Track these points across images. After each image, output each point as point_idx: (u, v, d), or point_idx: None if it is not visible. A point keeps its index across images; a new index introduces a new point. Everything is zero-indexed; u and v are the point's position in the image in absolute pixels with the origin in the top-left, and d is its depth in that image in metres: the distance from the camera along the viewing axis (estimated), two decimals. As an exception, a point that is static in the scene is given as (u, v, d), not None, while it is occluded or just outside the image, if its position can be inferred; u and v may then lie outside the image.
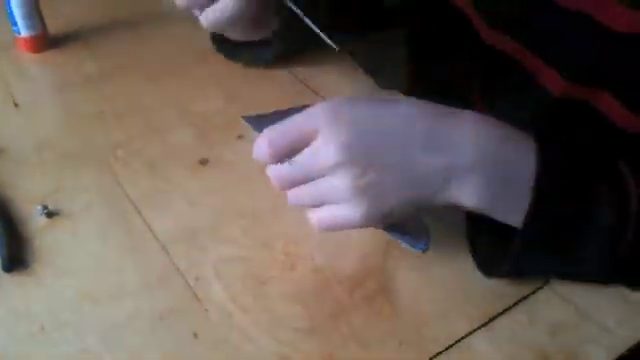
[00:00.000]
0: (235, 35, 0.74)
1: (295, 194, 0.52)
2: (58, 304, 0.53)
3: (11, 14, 0.80)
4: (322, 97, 0.75)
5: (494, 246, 0.52)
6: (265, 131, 0.50)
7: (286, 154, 0.49)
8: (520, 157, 0.48)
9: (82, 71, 0.80)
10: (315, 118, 0.48)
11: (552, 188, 0.47)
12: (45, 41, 0.83)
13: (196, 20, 0.69)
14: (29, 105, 0.75)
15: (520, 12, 0.62)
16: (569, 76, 0.59)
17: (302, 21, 0.67)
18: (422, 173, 0.48)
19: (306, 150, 0.49)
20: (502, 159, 0.48)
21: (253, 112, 0.57)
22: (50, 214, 0.61)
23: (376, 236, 0.57)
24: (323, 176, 0.49)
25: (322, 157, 0.48)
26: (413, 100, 0.50)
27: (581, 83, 0.59)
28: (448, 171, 0.47)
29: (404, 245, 0.52)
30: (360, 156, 0.47)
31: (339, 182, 0.48)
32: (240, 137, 0.70)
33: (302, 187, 0.51)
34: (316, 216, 0.51)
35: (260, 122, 0.54)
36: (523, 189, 0.47)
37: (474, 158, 0.47)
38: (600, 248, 0.47)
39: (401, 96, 0.52)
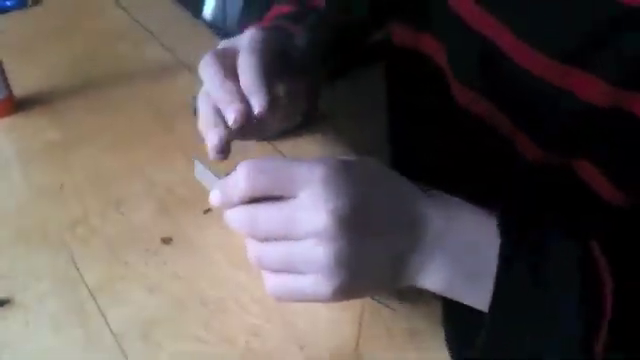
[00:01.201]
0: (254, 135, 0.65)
1: (259, 250, 0.45)
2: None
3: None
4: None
5: (464, 334, 0.49)
6: (244, 163, 0.44)
7: (262, 194, 0.44)
8: (485, 249, 0.45)
9: (45, 138, 0.77)
10: (308, 171, 0.43)
11: (512, 296, 0.44)
12: (11, 105, 0.80)
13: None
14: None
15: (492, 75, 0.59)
16: (544, 145, 0.56)
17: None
18: (402, 251, 0.45)
19: (289, 203, 0.43)
20: (468, 249, 0.45)
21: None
22: (1, 302, 0.58)
23: (349, 324, 0.54)
24: (300, 239, 0.43)
25: (307, 219, 0.42)
26: (405, 181, 0.47)
27: (559, 153, 0.55)
28: (422, 252, 0.45)
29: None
30: (350, 228, 0.43)
31: (319, 251, 0.42)
32: (206, 212, 0.66)
33: (269, 244, 0.45)
34: (277, 282, 0.45)
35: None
36: (487, 283, 0.44)
37: (440, 243, 0.45)
38: (570, 353, 0.44)
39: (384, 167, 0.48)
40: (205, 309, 0.57)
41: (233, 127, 0.51)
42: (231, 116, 0.51)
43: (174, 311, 0.57)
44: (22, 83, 0.83)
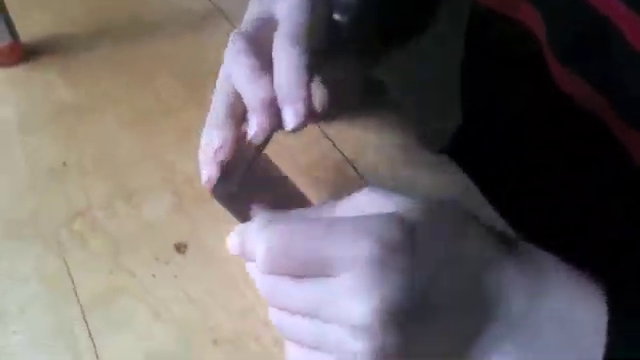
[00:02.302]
0: None
1: (284, 319, 0.36)
2: None
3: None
4: (355, 163, 0.59)
5: None
6: (263, 234, 0.34)
7: (287, 274, 0.34)
8: (579, 339, 0.35)
9: (53, 98, 0.65)
10: (353, 247, 0.32)
11: None
12: (17, 53, 0.68)
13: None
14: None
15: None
16: None
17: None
18: (468, 334, 0.35)
19: (327, 282, 0.33)
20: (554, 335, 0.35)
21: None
22: (-26, 314, 0.48)
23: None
24: (335, 324, 0.33)
25: (345, 308, 0.32)
26: (487, 238, 0.36)
27: None
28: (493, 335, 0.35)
29: None
30: (399, 324, 0.32)
31: (358, 345, 0.33)
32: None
33: (301, 319, 0.35)
34: (301, 355, 0.36)
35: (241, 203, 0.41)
36: None
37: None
38: None
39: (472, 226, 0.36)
40: (218, 349, 0.46)
41: (254, 141, 0.40)
42: (252, 131, 0.40)
43: (179, 347, 0.47)
44: (30, 30, 0.70)
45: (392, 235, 0.32)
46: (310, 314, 0.33)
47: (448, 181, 0.57)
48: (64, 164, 0.59)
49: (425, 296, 0.33)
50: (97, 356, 0.46)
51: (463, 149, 0.66)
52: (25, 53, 0.69)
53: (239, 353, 0.46)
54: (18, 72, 0.68)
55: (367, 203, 0.35)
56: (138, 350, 0.46)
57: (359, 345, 0.32)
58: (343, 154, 0.59)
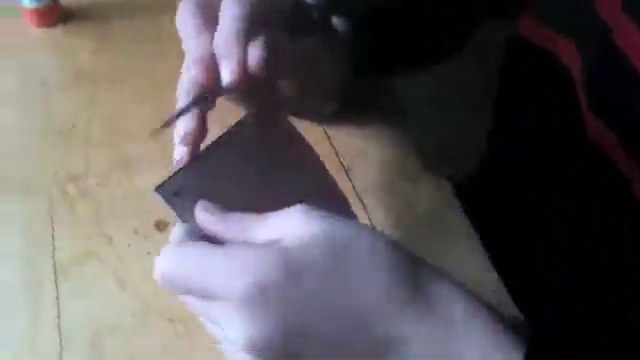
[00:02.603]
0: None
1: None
2: None
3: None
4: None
5: None
6: (162, 256, 0.37)
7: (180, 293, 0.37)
8: None
9: (78, 63, 0.67)
10: (225, 285, 0.34)
11: None
12: (56, 15, 0.71)
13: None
14: (1, 98, 0.64)
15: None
16: None
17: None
18: None
19: (205, 304, 0.35)
20: None
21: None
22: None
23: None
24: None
25: (221, 326, 0.35)
26: (393, 273, 0.35)
27: None
28: None
29: None
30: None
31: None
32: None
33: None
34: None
35: (182, 197, 0.40)
36: None
37: None
38: None
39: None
40: (172, 327, 0.48)
41: (189, 96, 0.41)
42: (192, 81, 0.41)
43: (136, 321, 0.48)
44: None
45: (268, 277, 0.33)
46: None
47: (443, 199, 0.56)
48: (73, 126, 0.61)
49: (295, 342, 0.33)
50: (58, 316, 0.48)
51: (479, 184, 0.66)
52: (63, 16, 0.71)
53: (191, 332, 0.47)
54: (53, 33, 0.70)
55: (296, 222, 0.35)
56: (94, 318, 0.48)
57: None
58: (340, 161, 0.59)
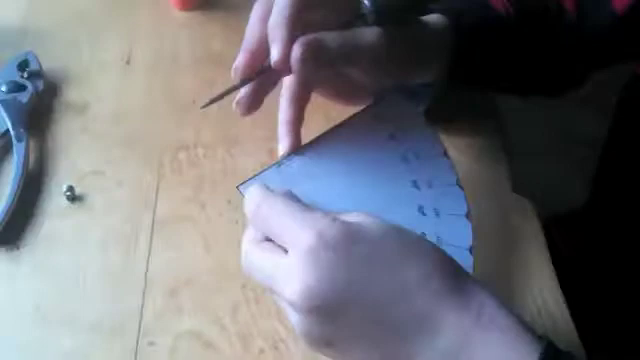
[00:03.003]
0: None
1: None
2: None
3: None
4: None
5: None
6: (249, 196, 0.42)
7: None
8: None
9: (204, 45, 0.73)
10: (297, 234, 0.38)
11: None
12: (196, 0, 0.78)
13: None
14: (136, 68, 0.71)
15: None
16: None
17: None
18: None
19: (277, 259, 0.39)
20: None
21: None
22: (73, 197, 0.58)
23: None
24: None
25: (282, 285, 0.38)
26: (434, 264, 0.38)
27: None
28: None
29: None
30: (324, 317, 0.37)
31: (292, 316, 0.39)
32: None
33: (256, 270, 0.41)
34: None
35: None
36: None
37: None
38: None
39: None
40: (241, 291, 0.52)
41: (234, 77, 0.46)
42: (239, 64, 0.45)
43: (213, 279, 0.53)
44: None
45: (332, 235, 0.37)
46: (265, 285, 0.39)
47: (528, 228, 0.57)
48: (193, 102, 0.67)
49: (345, 298, 0.36)
50: (147, 263, 0.54)
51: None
52: (202, 2, 0.78)
53: (259, 300, 0.52)
54: (192, 17, 0.77)
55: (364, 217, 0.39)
56: (178, 273, 0.54)
57: (294, 319, 0.38)
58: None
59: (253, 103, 0.46)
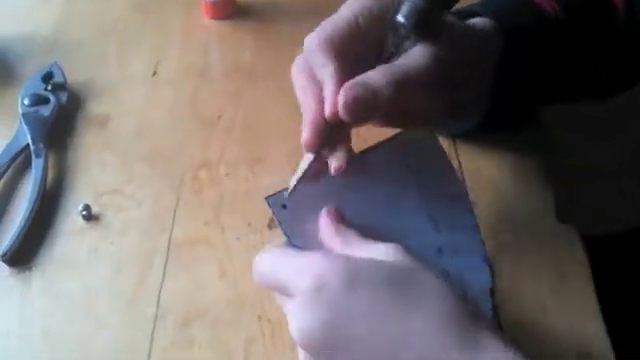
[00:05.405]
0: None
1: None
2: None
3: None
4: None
5: None
6: (257, 259, 0.42)
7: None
8: None
9: (240, 57, 0.71)
10: (297, 277, 0.38)
11: None
12: (228, 9, 0.75)
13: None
14: (163, 80, 0.68)
15: None
16: None
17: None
18: None
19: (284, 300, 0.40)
20: None
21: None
22: (89, 217, 0.56)
23: None
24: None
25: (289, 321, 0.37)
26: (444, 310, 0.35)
27: None
28: None
29: None
30: (313, 353, 0.37)
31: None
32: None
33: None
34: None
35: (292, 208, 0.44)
36: None
37: None
38: None
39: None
40: (258, 324, 0.49)
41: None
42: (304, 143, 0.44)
43: (228, 310, 0.50)
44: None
45: (325, 278, 0.36)
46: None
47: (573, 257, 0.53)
48: (219, 117, 0.64)
49: (334, 344, 0.35)
50: (160, 288, 0.51)
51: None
52: (235, 11, 0.75)
53: (275, 334, 0.49)
54: (223, 26, 0.74)
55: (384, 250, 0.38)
56: (192, 300, 0.51)
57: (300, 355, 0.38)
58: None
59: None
